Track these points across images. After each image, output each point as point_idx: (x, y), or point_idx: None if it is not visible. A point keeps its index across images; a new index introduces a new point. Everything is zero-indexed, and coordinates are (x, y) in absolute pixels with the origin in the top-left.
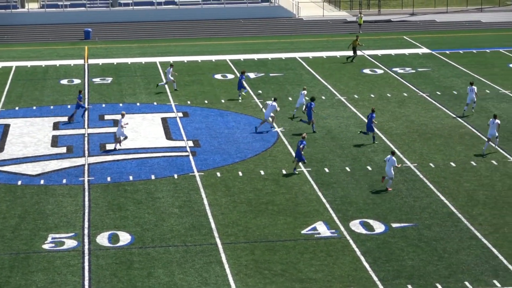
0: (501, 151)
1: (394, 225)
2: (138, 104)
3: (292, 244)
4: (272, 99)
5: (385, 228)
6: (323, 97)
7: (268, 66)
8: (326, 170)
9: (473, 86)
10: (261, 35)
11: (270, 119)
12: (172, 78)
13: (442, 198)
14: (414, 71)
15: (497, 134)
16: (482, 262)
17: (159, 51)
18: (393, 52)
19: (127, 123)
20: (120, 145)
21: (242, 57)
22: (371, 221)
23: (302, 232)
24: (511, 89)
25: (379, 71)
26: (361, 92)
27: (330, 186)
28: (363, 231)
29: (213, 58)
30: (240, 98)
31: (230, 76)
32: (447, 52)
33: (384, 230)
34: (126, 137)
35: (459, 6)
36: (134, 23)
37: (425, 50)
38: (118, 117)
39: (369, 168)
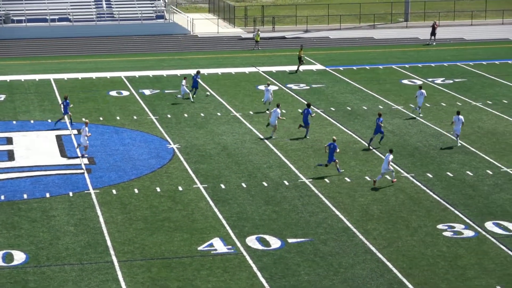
0: (396, 167)
1: (290, 240)
2: (32, 121)
3: (188, 260)
4: (276, 105)
5: (281, 243)
6: (219, 114)
7: (163, 82)
8: (222, 186)
9: (422, 90)
10: (156, 51)
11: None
12: (187, 90)
13: (337, 213)
14: (308, 87)
15: (459, 132)
16: (377, 276)
17: (53, 68)
18: (287, 68)
19: (90, 134)
20: (85, 154)
21: (137, 73)
22: (267, 237)
23: (199, 248)
24: (403, 105)
25: (273, 88)
26: (256, 108)
27: (226, 202)
28: (260, 247)
29: (108, 74)
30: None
31: (125, 93)
32: (341, 68)
33: (280, 246)
34: (86, 147)
35: (352, 23)
36: (27, 40)
37: (319, 66)
38: (11, 134)
39: (265, 184)
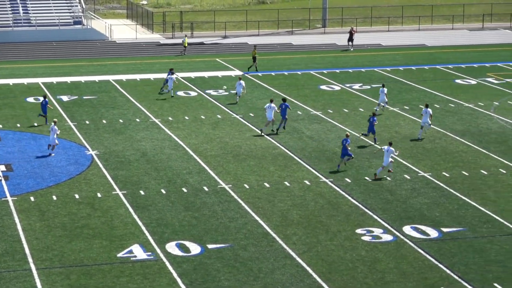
0: (313, 171)
1: (210, 246)
2: None
3: (108, 267)
4: (270, 100)
5: (201, 249)
6: (138, 120)
7: (81, 88)
8: (142, 192)
9: (384, 88)
10: (74, 57)
11: (271, 121)
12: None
13: (257, 218)
14: (227, 93)
15: (430, 122)
16: (297, 281)
17: None
18: (206, 74)
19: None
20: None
21: (55, 80)
22: (187, 243)
23: (118, 255)
24: (322, 110)
25: (193, 94)
26: (175, 114)
27: (146, 209)
28: (179, 253)
29: (25, 81)
30: (164, 91)
31: (42, 99)
32: (260, 74)
33: (200, 252)
34: (56, 145)
35: (270, 29)
36: None
37: (237, 72)
38: None
39: (185, 190)
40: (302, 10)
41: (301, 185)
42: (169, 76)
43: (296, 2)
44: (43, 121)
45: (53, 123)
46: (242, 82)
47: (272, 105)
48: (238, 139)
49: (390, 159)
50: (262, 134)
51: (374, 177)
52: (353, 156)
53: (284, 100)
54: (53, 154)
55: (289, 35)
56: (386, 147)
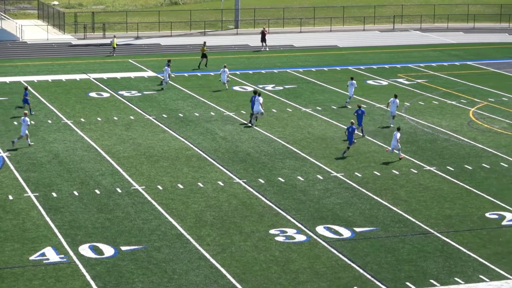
0: (227, 172)
1: (124, 248)
2: None
3: (20, 271)
4: (257, 94)
5: (115, 251)
6: (49, 121)
7: None
8: (54, 194)
9: (353, 81)
10: None
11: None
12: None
13: (171, 220)
14: (140, 94)
15: (395, 113)
16: (211, 282)
17: None
18: (119, 75)
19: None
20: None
21: None
22: (100, 245)
23: (30, 258)
24: (235, 111)
25: (106, 95)
26: (88, 115)
27: (58, 211)
28: (93, 255)
29: None
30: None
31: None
32: (173, 75)
33: (113, 254)
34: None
35: (183, 30)
36: None
37: (150, 73)
38: None
39: (97, 191)
40: (214, 11)
41: (215, 186)
42: (166, 67)
43: (209, 3)
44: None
45: (24, 115)
46: (226, 69)
47: (259, 97)
48: (151, 140)
49: (398, 144)
50: (251, 125)
51: (386, 150)
52: (355, 141)
53: (255, 92)
54: (32, 144)
55: (202, 36)
56: (395, 132)
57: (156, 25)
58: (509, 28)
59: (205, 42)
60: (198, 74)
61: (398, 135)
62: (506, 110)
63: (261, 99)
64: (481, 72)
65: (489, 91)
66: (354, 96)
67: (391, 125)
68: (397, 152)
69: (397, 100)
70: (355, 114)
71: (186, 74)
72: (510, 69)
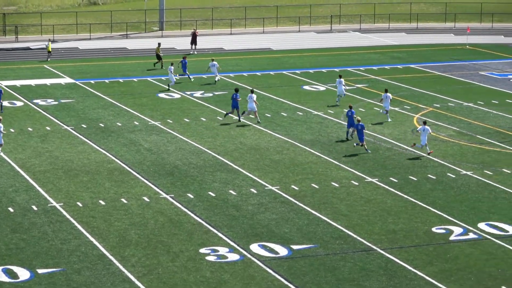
0: (153, 186)
1: (40, 271)
2: None
3: None
4: (251, 91)
5: (31, 274)
6: None
7: None
8: None
9: (342, 79)
10: None
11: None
12: (174, 78)
13: (92, 239)
14: (57, 102)
15: (389, 108)
16: None
17: None
18: (33, 82)
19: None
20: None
21: None
22: (14, 268)
23: None
24: (161, 120)
25: (19, 103)
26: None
27: None
28: (7, 279)
29: None
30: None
31: None
32: (92, 81)
33: (29, 277)
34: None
35: (103, 33)
36: None
37: (68, 80)
38: None
39: (11, 209)
40: (137, 11)
41: (140, 202)
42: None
43: (131, 3)
44: None
45: None
46: (216, 63)
47: (253, 95)
48: (70, 153)
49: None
50: (240, 120)
51: (412, 145)
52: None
53: (236, 90)
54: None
55: (124, 39)
56: (421, 126)
57: (74, 27)
58: (455, 28)
59: (159, 43)
60: (120, 80)
61: (428, 128)
62: (453, 117)
63: (254, 96)
64: (426, 76)
65: (434, 96)
66: (344, 94)
67: (389, 120)
68: (426, 147)
69: (389, 94)
70: (346, 116)
71: (107, 81)
72: (456, 72)
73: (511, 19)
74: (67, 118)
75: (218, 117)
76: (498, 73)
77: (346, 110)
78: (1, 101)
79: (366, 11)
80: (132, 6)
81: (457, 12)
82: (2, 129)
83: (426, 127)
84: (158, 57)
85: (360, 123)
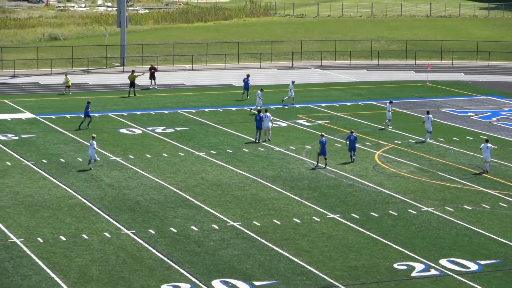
0: (114, 222)
1: None
2: None
3: None
4: (264, 110)
5: None
6: None
7: None
8: None
9: (430, 115)
10: None
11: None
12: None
13: (53, 275)
14: (17, 137)
15: (431, 129)
16: None
17: None
18: None
19: None
20: None
21: None
22: None
23: None
24: (122, 156)
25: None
26: None
27: None
28: None
29: None
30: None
31: None
32: (53, 116)
33: None
34: None
35: (64, 68)
36: None
37: (28, 115)
38: None
39: None
40: (98, 47)
41: (101, 237)
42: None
43: (92, 38)
44: None
45: None
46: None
47: (268, 114)
48: (30, 188)
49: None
50: (258, 141)
51: (483, 172)
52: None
53: (259, 111)
54: None
55: (85, 74)
56: (483, 144)
57: (35, 62)
58: (415, 65)
59: (133, 71)
60: (81, 115)
61: (491, 146)
62: (414, 153)
63: (270, 116)
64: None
65: (395, 133)
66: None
67: (427, 140)
68: (487, 164)
69: (431, 116)
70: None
71: (68, 116)
72: (416, 109)
73: (471, 57)
74: (27, 153)
75: (179, 153)
76: (458, 110)
77: (426, 115)
78: (89, 114)
79: (327, 48)
80: (93, 41)
81: (418, 49)
82: (95, 146)
83: (489, 144)
84: (132, 84)
85: (354, 134)
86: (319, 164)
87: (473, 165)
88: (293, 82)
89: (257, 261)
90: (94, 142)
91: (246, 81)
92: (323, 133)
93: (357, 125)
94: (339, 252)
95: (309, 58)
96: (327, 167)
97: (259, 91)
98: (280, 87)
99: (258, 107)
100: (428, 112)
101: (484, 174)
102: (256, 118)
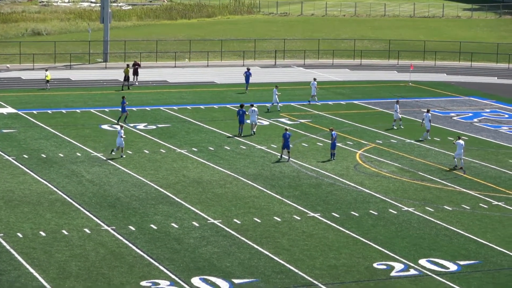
0: (94, 218)
1: None
2: None
3: None
4: (251, 105)
5: None
6: None
7: None
8: None
9: (429, 113)
10: None
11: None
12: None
13: (32, 270)
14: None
15: (429, 127)
16: None
17: None
18: None
19: None
20: None
21: None
22: None
23: None
24: (103, 152)
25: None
26: None
27: None
28: None
29: None
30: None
31: None
32: (35, 112)
33: None
34: None
35: (46, 63)
36: None
37: (10, 109)
38: None
39: None
40: (81, 42)
41: (81, 233)
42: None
43: (75, 34)
44: None
45: None
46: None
47: (254, 108)
48: (10, 183)
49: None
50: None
51: (454, 168)
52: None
53: (241, 106)
54: None
55: (67, 70)
56: (456, 141)
57: (17, 57)
58: (398, 65)
59: (128, 65)
60: (63, 111)
61: (462, 142)
62: (395, 153)
63: (256, 110)
64: (369, 112)
65: (376, 133)
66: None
67: (428, 138)
68: (461, 161)
69: (430, 114)
70: (283, 137)
71: (49, 111)
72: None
73: (453, 57)
74: (8, 148)
75: (161, 150)
76: (440, 111)
77: (425, 113)
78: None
79: (310, 46)
80: (76, 37)
81: (401, 49)
82: (122, 134)
83: (429, 114)
84: (127, 78)
85: (333, 132)
86: (283, 156)
87: (454, 165)
88: (276, 87)
89: (237, 259)
90: (122, 130)
91: (247, 74)
92: (287, 127)
93: (338, 124)
94: (319, 251)
95: (292, 56)
96: (290, 160)
97: (274, 88)
98: (263, 85)
99: (275, 104)
100: (428, 111)
101: (455, 171)
102: (238, 112)
